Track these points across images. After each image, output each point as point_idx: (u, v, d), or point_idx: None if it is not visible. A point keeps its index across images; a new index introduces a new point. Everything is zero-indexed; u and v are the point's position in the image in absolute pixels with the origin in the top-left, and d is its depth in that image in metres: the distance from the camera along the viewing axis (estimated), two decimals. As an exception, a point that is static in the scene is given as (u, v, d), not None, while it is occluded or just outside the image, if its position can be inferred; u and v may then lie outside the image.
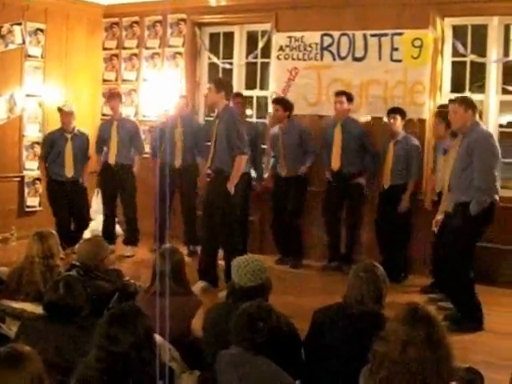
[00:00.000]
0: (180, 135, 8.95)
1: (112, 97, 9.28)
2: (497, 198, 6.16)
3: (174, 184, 8.86)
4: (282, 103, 8.68)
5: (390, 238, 8.06)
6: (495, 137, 8.09)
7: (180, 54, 10.17)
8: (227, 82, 7.76)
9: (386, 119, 8.25)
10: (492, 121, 8.15)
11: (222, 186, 7.11)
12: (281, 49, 9.21)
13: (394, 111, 8.06)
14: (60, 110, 8.89)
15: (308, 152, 8.65)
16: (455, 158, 6.28)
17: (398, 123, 8.03)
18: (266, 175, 9.11)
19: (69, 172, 8.86)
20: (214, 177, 7.36)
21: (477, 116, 6.34)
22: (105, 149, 9.14)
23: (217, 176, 7.29)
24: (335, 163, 8.40)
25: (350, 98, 8.39)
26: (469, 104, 6.24)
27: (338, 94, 8.40)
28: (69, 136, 8.88)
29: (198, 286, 7.07)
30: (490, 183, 6.07)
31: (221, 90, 7.22)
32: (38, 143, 9.84)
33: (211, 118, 10.02)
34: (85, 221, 9.14)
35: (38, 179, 9.91)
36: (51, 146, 8.89)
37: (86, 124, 9.92)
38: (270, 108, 9.40)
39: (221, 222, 7.21)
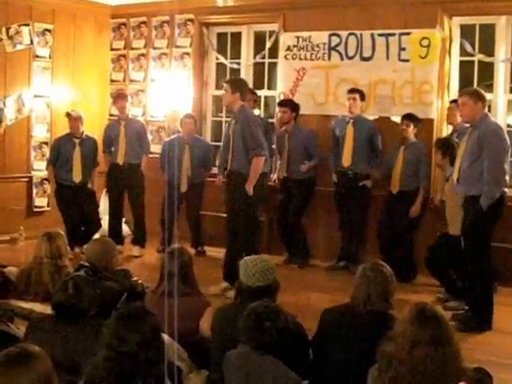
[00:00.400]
0: (187, 161, 8.98)
1: (119, 97, 9.31)
2: (506, 190, 6.15)
3: (180, 198, 8.96)
4: (289, 105, 8.67)
5: (395, 240, 8.04)
6: (506, 137, 8.11)
7: (188, 54, 10.18)
8: (242, 81, 7.71)
9: (395, 119, 8.24)
10: (500, 120, 8.13)
11: (241, 188, 7.08)
12: (288, 49, 9.21)
13: (409, 118, 8.01)
14: (68, 114, 8.92)
15: (313, 156, 8.65)
16: (464, 150, 6.26)
17: (411, 130, 7.99)
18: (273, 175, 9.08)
19: (77, 177, 8.87)
20: (233, 179, 7.31)
21: (486, 108, 6.31)
22: (112, 149, 9.15)
23: (235, 178, 7.25)
24: (346, 160, 8.37)
25: (362, 96, 8.38)
26: (479, 96, 6.20)
27: (351, 91, 8.38)
28: (77, 141, 8.91)
29: (220, 287, 7.15)
30: (499, 176, 6.05)
31: (236, 90, 7.18)
32: (46, 144, 9.87)
33: (218, 118, 10.08)
34: (95, 224, 9.15)
35: (46, 179, 9.92)
36: (59, 152, 8.91)
37: (94, 124, 9.95)
38: (277, 109, 9.39)
39: (242, 223, 7.21)
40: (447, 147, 7.11)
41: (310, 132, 8.78)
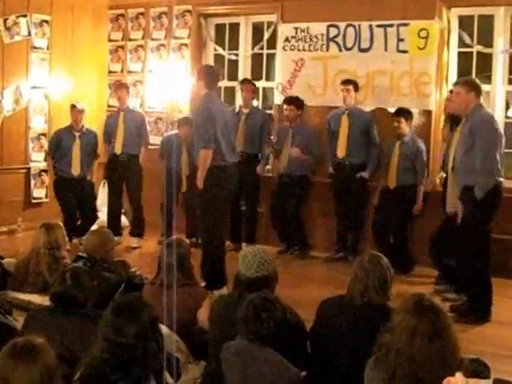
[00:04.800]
0: (185, 160, 8.93)
1: (119, 87, 9.31)
2: (501, 180, 6.14)
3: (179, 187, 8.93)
4: (295, 102, 8.65)
5: (390, 233, 8.06)
6: (502, 128, 8.08)
7: (186, 45, 10.15)
8: (211, 69, 7.39)
9: (392, 110, 8.23)
10: (499, 111, 8.13)
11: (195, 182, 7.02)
12: (286, 40, 9.19)
13: (398, 114, 7.98)
14: (73, 106, 8.93)
15: (312, 152, 8.68)
16: (458, 140, 6.26)
17: (404, 125, 7.94)
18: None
19: (75, 170, 8.88)
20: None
21: (481, 99, 6.29)
22: (112, 140, 9.15)
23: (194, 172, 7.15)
24: (340, 152, 8.37)
25: (356, 87, 8.38)
26: (471, 86, 6.19)
27: (345, 82, 8.38)
28: (77, 134, 8.92)
29: None
30: (491, 165, 6.02)
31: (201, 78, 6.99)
32: (44, 135, 9.86)
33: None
34: (92, 217, 9.15)
35: (44, 171, 9.92)
36: (58, 144, 8.93)
37: (92, 116, 9.92)
38: (276, 99, 9.39)
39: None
40: (456, 121, 7.13)
41: (314, 129, 8.81)
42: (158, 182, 8.74)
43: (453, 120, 7.14)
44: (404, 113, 7.98)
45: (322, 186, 8.75)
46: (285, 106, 8.74)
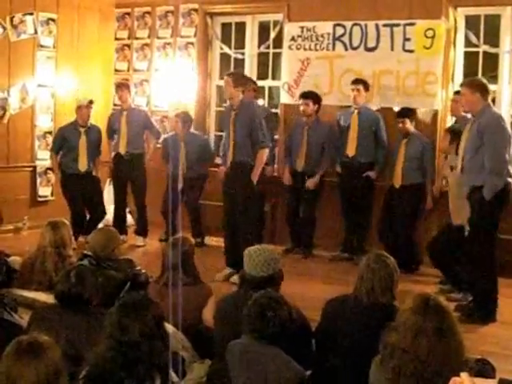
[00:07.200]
0: (183, 158, 8.93)
1: (119, 87, 9.29)
2: (510, 180, 6.09)
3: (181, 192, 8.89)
4: (312, 96, 8.59)
5: (396, 232, 8.05)
6: (508, 127, 8.06)
7: (192, 44, 10.16)
8: (244, 76, 7.97)
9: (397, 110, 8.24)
10: (505, 111, 8.11)
11: (246, 179, 7.26)
12: (293, 39, 9.18)
13: (402, 115, 8.01)
14: (79, 107, 8.89)
15: (325, 154, 8.64)
16: (466, 141, 6.24)
17: (408, 125, 7.96)
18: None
19: (82, 166, 8.86)
20: (236, 170, 7.38)
21: (489, 98, 6.27)
22: (115, 137, 9.16)
23: (239, 169, 7.33)
24: (350, 150, 8.36)
25: (366, 86, 8.37)
26: (476, 86, 6.15)
27: (355, 82, 8.36)
28: (82, 130, 8.89)
29: (223, 273, 7.37)
30: (500, 166, 6.00)
31: (238, 85, 7.30)
32: (50, 133, 9.86)
33: (222, 109, 10.05)
34: (100, 213, 9.13)
35: (50, 169, 9.92)
36: (63, 141, 8.92)
37: (98, 114, 9.90)
38: (282, 99, 9.38)
39: (245, 213, 7.34)
40: (457, 134, 7.11)
41: (330, 127, 8.69)
42: (162, 182, 8.76)
43: (453, 132, 7.15)
44: (408, 113, 8.00)
45: (327, 184, 8.73)
46: (300, 101, 8.62)
